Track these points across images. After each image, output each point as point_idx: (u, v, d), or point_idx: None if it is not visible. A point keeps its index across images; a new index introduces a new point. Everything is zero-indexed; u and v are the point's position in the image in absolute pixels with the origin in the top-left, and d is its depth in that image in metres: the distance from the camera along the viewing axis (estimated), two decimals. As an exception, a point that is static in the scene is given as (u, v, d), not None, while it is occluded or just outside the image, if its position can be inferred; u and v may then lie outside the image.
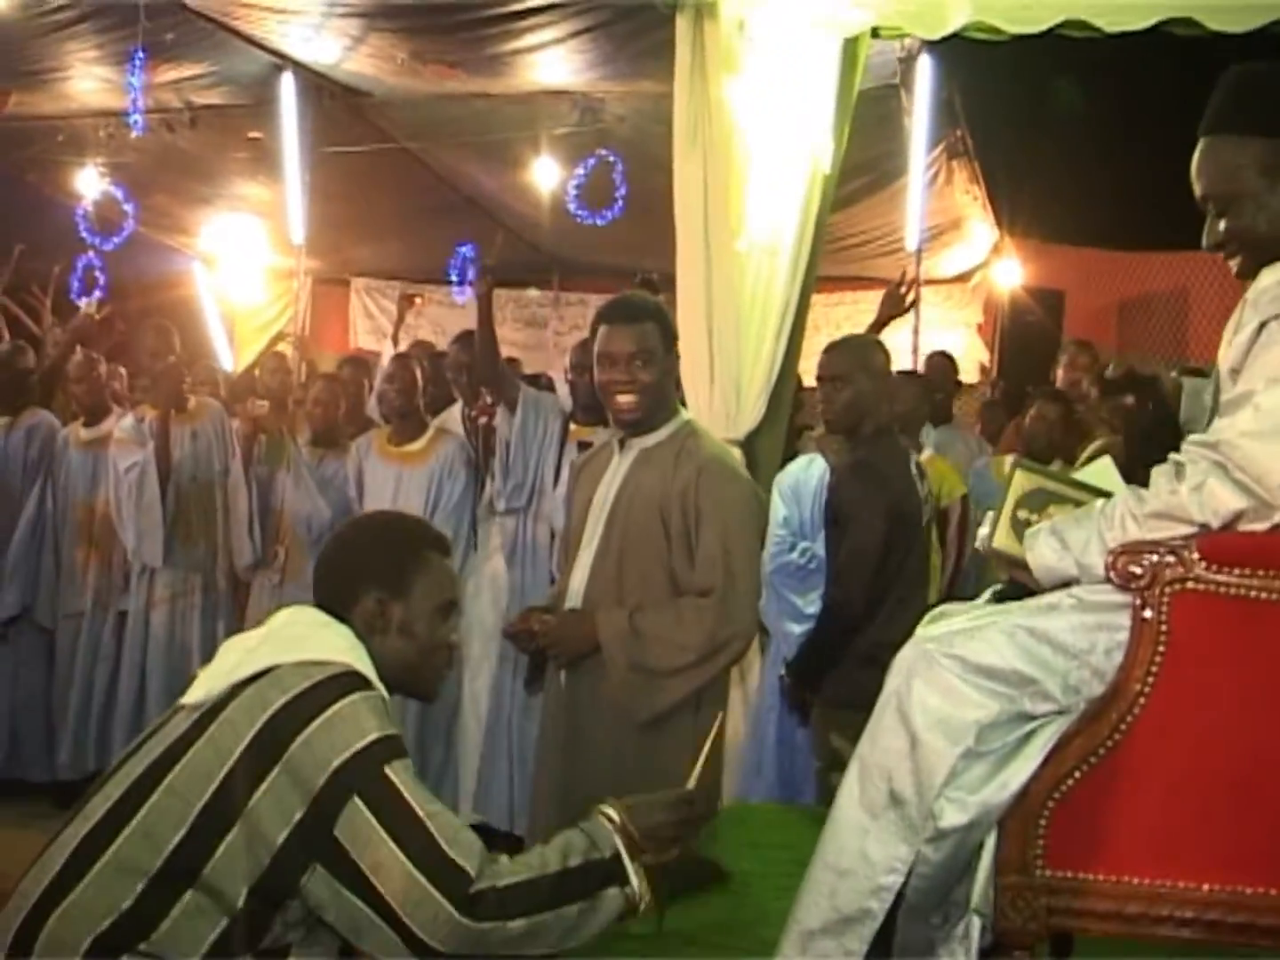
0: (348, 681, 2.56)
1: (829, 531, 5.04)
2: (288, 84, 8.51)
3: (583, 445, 6.08)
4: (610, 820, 2.60)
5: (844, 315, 11.63)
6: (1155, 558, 2.48)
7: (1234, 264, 2.78)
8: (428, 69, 8.17)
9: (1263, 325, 2.56)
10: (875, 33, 5.73)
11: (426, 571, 2.83)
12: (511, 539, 6.56)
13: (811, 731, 5.09)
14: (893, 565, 4.85)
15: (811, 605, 5.52)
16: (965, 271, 11.63)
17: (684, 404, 4.62)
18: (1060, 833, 2.51)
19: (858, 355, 5.04)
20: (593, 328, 4.21)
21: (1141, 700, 2.48)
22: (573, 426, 6.64)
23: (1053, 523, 2.66)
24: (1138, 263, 10.72)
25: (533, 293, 12.82)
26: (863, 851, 2.57)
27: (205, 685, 2.63)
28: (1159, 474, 2.55)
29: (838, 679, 4.79)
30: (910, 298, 6.71)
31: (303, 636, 2.69)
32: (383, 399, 7.12)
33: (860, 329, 7.46)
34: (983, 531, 2.89)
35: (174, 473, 6.79)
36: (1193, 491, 2.47)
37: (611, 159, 9.22)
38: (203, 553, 6.94)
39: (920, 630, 2.77)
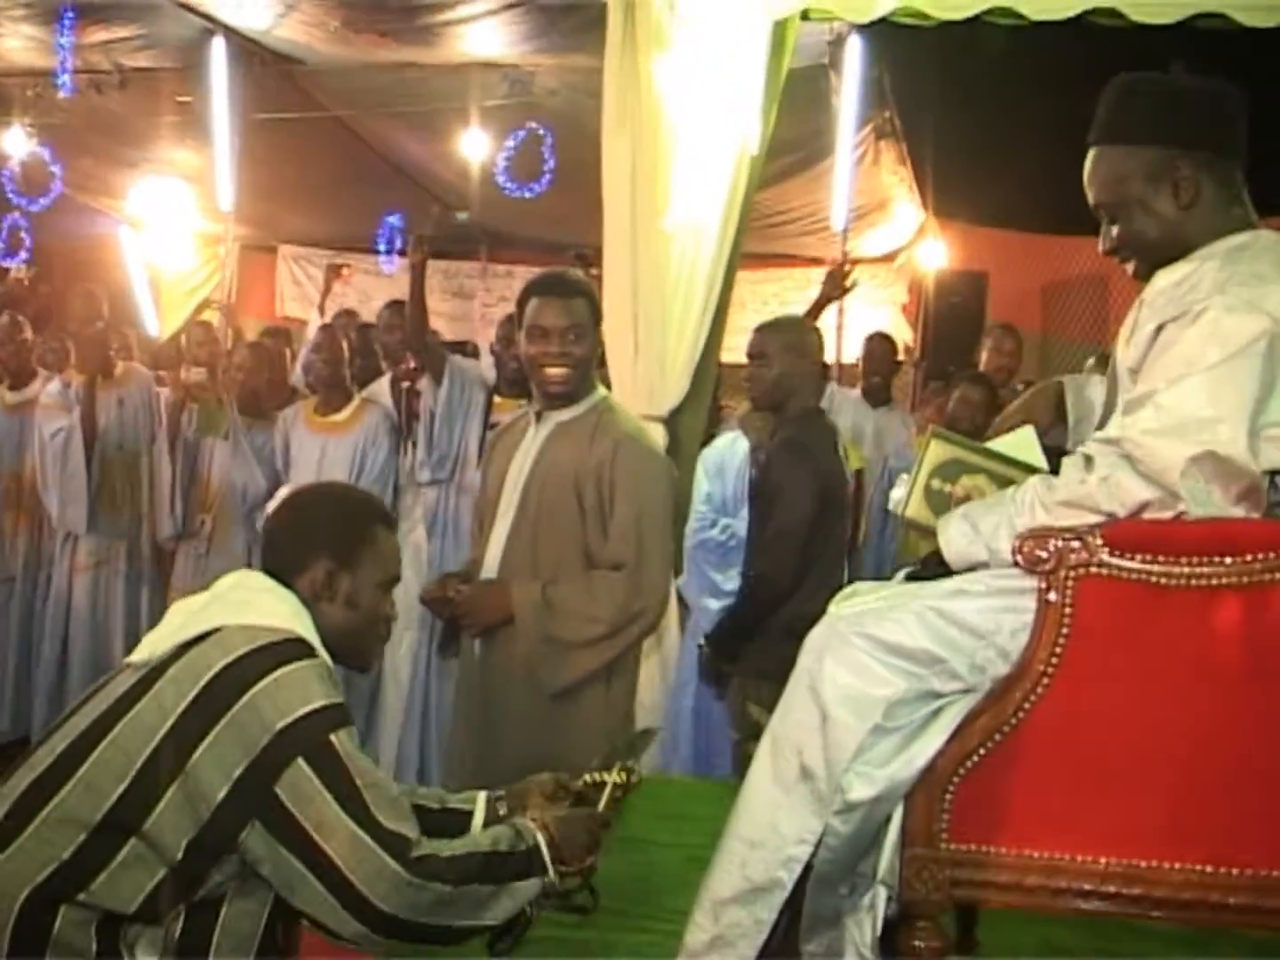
0: (294, 648, 2.62)
1: (753, 507, 5.12)
2: (218, 49, 8.44)
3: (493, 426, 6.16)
4: (536, 822, 2.73)
5: (771, 292, 11.70)
6: (1061, 543, 2.55)
7: (1129, 267, 2.88)
8: (360, 38, 8.15)
9: (1160, 327, 2.65)
10: (805, 15, 5.78)
11: (375, 546, 2.89)
12: (434, 509, 6.60)
13: (730, 703, 5.16)
14: (818, 542, 4.95)
15: (730, 582, 5.62)
16: (891, 251, 11.72)
17: (605, 382, 4.69)
18: (964, 807, 2.59)
19: (786, 335, 5.13)
20: (521, 300, 4.25)
21: (1045, 680, 2.55)
22: (497, 399, 6.69)
23: (965, 507, 2.74)
24: (1060, 246, 10.86)
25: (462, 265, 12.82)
26: (773, 823, 2.64)
27: (151, 645, 2.68)
28: (1069, 465, 2.63)
29: (758, 651, 4.90)
30: (851, 280, 6.80)
31: (248, 601, 2.73)
32: (309, 369, 7.12)
33: (786, 306, 7.58)
34: (895, 495, 2.96)
35: (99, 439, 6.75)
36: (1101, 482, 2.55)
37: (541, 132, 9.24)
38: (127, 520, 6.92)
39: (832, 608, 2.84)
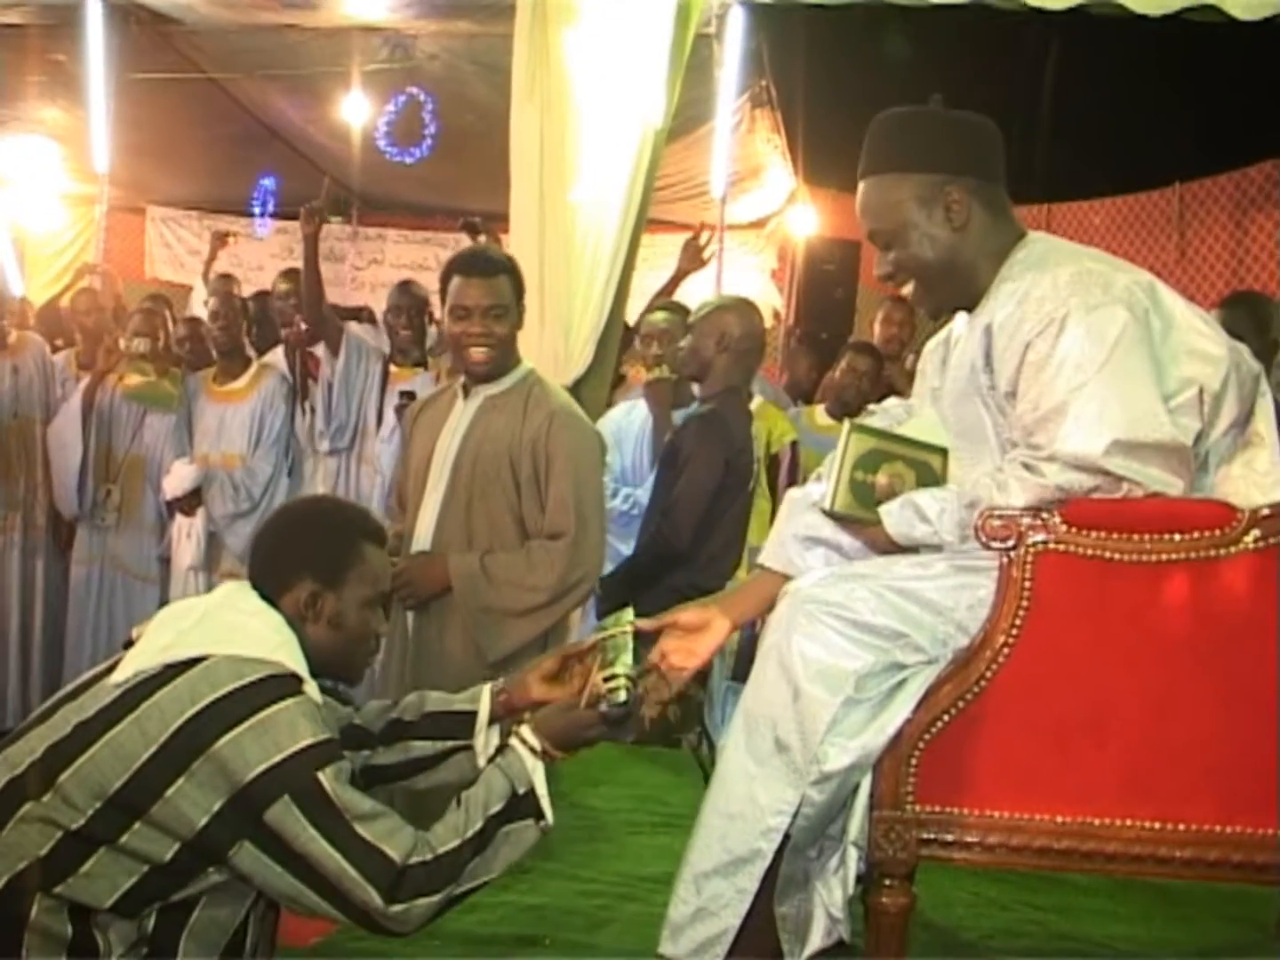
0: (281, 686, 2.59)
1: (663, 472, 5.22)
2: (94, 7, 8.29)
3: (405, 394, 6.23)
4: (524, 742, 2.74)
5: (640, 258, 11.70)
6: (1021, 521, 2.69)
7: (907, 290, 2.99)
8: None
9: (1027, 345, 2.73)
10: (709, -9, 5.87)
11: (361, 564, 2.85)
12: (335, 479, 6.64)
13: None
14: (719, 511, 5.09)
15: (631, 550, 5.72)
16: (762, 218, 11.83)
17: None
18: (930, 771, 2.72)
19: (701, 318, 5.30)
20: (444, 278, 4.30)
21: (1006, 650, 2.68)
22: (393, 368, 6.73)
23: (905, 497, 2.84)
24: (934, 217, 11.00)
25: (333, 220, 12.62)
26: (751, 796, 2.73)
27: (136, 661, 2.65)
28: (1013, 474, 2.74)
29: (650, 616, 5.03)
30: (709, 251, 6.93)
31: (237, 625, 2.70)
32: (206, 337, 7.08)
33: (657, 271, 7.69)
34: (816, 490, 3.06)
35: (-6, 408, 6.66)
36: (1054, 482, 2.68)
37: (422, 97, 9.22)
38: (22, 490, 6.83)
39: (790, 585, 2.93)
